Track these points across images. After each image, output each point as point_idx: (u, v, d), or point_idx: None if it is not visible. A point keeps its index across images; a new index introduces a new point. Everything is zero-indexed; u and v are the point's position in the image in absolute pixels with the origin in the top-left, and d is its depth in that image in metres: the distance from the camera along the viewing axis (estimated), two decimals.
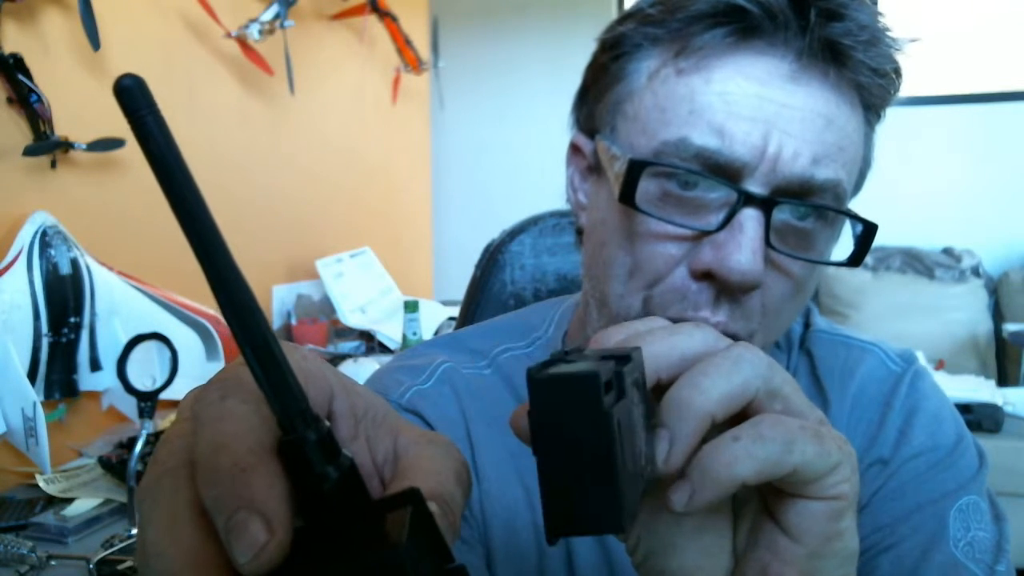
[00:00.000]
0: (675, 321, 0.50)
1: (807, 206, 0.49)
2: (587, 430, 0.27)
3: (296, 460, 0.24)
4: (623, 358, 0.31)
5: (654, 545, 0.37)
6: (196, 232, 0.21)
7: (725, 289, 0.49)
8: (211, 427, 0.24)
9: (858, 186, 0.55)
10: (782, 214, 0.49)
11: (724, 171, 0.48)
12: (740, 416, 0.33)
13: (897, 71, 0.52)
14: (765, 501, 0.36)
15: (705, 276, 0.49)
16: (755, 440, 0.31)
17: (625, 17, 0.54)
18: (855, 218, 0.51)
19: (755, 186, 0.48)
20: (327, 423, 0.24)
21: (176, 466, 0.25)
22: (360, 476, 0.25)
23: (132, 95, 0.21)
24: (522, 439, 0.28)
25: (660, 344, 0.34)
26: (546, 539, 0.28)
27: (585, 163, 0.58)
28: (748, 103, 0.48)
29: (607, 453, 0.27)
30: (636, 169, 0.49)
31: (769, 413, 0.33)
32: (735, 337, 0.50)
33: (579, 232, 0.60)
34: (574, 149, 0.60)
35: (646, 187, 0.49)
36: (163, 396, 1.19)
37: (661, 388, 0.34)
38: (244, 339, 0.22)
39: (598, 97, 0.56)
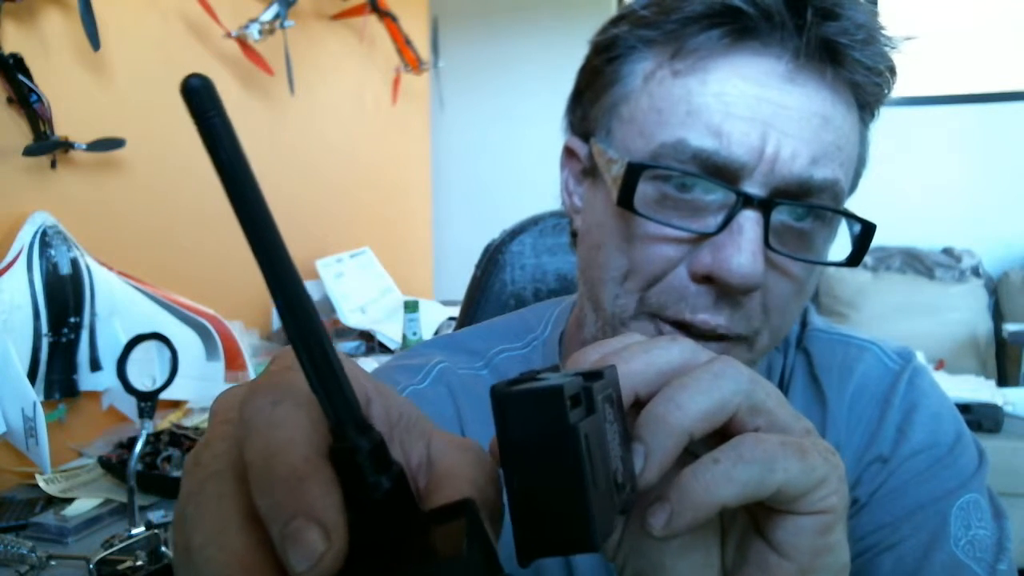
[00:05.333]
0: (673, 322, 0.50)
1: (805, 207, 0.49)
2: (553, 446, 0.26)
3: (348, 468, 0.23)
4: (594, 374, 0.30)
5: (641, 566, 0.36)
6: (259, 238, 0.21)
7: (725, 291, 0.48)
8: (264, 433, 0.23)
9: (854, 185, 0.55)
10: (780, 215, 0.49)
11: (722, 173, 0.48)
12: (723, 431, 0.33)
13: (892, 69, 0.51)
14: (753, 517, 0.35)
15: (705, 279, 0.49)
16: (735, 462, 0.31)
17: (618, 19, 0.54)
18: (854, 218, 0.51)
19: (753, 187, 0.48)
20: (379, 432, 0.24)
21: (221, 470, 0.24)
22: (408, 486, 0.24)
23: (200, 96, 0.20)
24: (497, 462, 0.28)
25: (636, 360, 0.33)
26: (518, 562, 0.27)
27: (579, 166, 0.58)
28: (745, 104, 0.48)
29: (575, 469, 0.26)
30: (634, 172, 0.49)
31: (750, 432, 0.33)
32: (739, 337, 0.50)
33: (574, 235, 0.60)
34: (568, 152, 0.60)
35: (644, 190, 0.49)
36: (163, 396, 1.19)
37: (640, 405, 0.33)
38: (302, 345, 0.22)
39: (592, 100, 0.55)
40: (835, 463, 0.33)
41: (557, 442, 0.26)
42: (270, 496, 0.22)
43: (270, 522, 0.22)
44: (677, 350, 0.34)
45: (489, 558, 0.24)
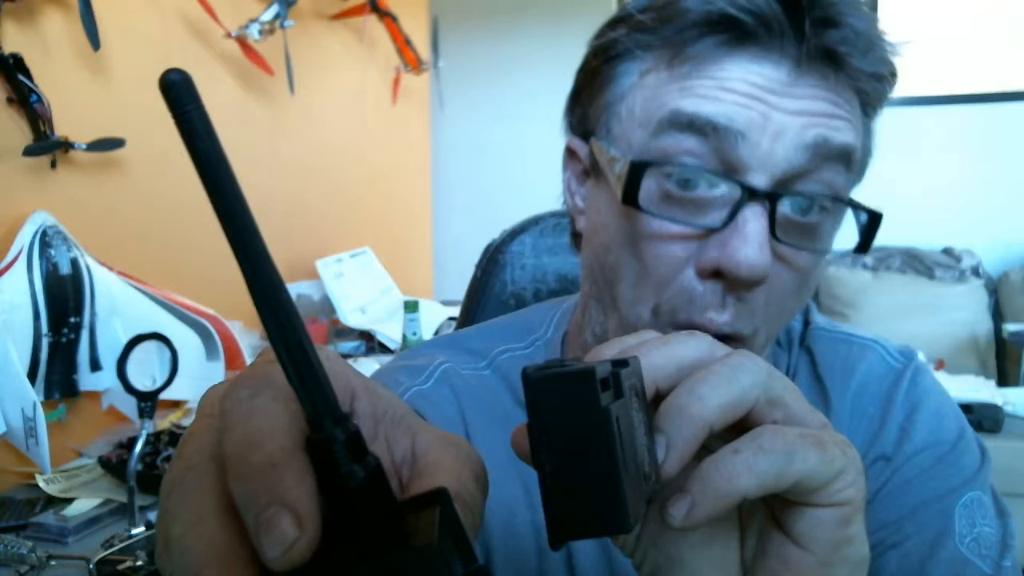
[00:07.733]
0: (683, 327, 0.50)
1: (809, 198, 0.49)
2: (585, 427, 0.27)
3: (324, 458, 0.24)
4: (620, 362, 0.31)
5: (660, 560, 0.36)
6: (236, 231, 0.22)
7: (733, 286, 0.48)
8: (242, 424, 0.24)
9: (860, 175, 0.55)
10: (785, 208, 0.49)
11: (725, 157, 0.48)
12: (740, 425, 0.33)
13: (894, 74, 0.51)
14: (771, 510, 0.35)
15: (713, 274, 0.48)
16: (755, 453, 0.31)
17: (616, 22, 0.54)
18: (859, 208, 0.51)
19: (757, 180, 0.48)
20: (355, 423, 0.24)
21: (202, 462, 0.25)
22: (385, 476, 0.25)
23: (178, 90, 0.20)
24: (522, 457, 0.28)
25: (656, 354, 0.34)
26: (549, 545, 0.28)
27: (581, 166, 0.58)
28: (746, 91, 0.48)
29: (608, 450, 0.27)
30: (638, 170, 0.48)
31: (769, 424, 0.33)
32: (739, 337, 0.50)
33: (575, 236, 0.60)
34: (569, 153, 0.59)
35: (648, 187, 0.49)
36: (163, 396, 1.19)
37: (660, 398, 0.33)
38: (279, 337, 0.23)
39: (591, 99, 0.55)
40: (852, 456, 0.33)
41: (590, 423, 0.27)
42: (245, 485, 0.22)
43: (244, 510, 0.22)
44: (695, 344, 0.35)
45: (461, 546, 0.24)
